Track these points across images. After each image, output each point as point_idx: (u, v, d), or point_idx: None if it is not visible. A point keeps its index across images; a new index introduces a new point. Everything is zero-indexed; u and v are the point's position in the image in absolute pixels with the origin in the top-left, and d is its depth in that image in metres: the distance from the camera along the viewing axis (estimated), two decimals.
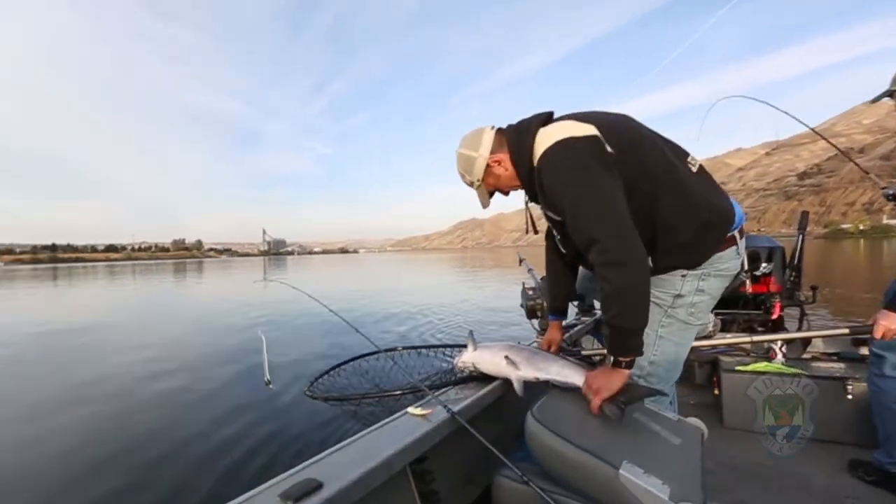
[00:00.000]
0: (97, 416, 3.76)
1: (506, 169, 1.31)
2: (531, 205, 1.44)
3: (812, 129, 1.89)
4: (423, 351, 2.34)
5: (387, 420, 1.39)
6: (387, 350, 2.17)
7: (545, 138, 1.19)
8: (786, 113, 2.01)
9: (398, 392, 1.87)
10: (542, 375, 1.51)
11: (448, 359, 2.37)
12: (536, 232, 1.48)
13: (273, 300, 11.06)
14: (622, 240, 1.08)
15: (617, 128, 1.18)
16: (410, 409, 1.46)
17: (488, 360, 1.70)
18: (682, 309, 1.31)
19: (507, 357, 1.62)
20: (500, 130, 1.33)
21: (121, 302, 15.10)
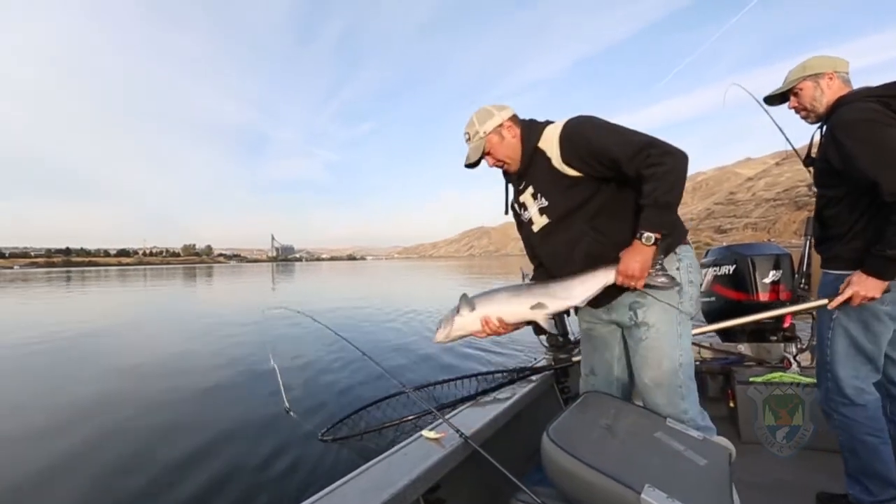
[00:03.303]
0: (101, 434, 3.57)
1: (513, 136, 1.53)
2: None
3: (794, 150, 1.86)
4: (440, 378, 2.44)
5: (400, 445, 1.37)
6: (398, 394, 2.25)
7: (555, 126, 1.46)
8: (777, 126, 2.00)
9: (410, 417, 1.89)
10: (571, 302, 1.47)
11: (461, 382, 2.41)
12: (507, 213, 1.71)
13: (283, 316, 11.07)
14: (666, 143, 1.31)
15: None
16: (425, 433, 1.45)
17: (507, 311, 1.50)
18: (686, 302, 1.44)
19: (524, 298, 1.49)
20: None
21: (129, 309, 15.26)
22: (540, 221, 1.54)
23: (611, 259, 1.40)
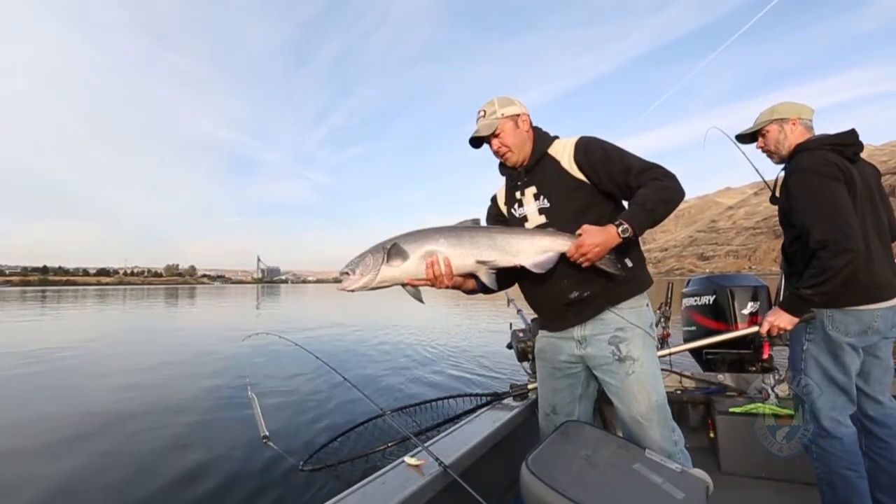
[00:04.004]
0: (63, 468, 3.31)
1: (526, 130, 1.58)
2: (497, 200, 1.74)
3: (767, 184, 1.96)
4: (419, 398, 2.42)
5: (379, 473, 1.35)
6: (376, 416, 2.25)
7: (566, 139, 1.56)
8: (752, 165, 2.10)
9: (390, 445, 1.86)
10: (518, 260, 1.40)
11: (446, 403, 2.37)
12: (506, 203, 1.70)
13: (263, 327, 10.82)
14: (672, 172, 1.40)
15: None
16: (407, 459, 1.43)
17: (451, 255, 1.36)
18: (655, 337, 1.54)
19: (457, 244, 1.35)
20: None
21: (100, 333, 14.79)
22: (536, 220, 1.56)
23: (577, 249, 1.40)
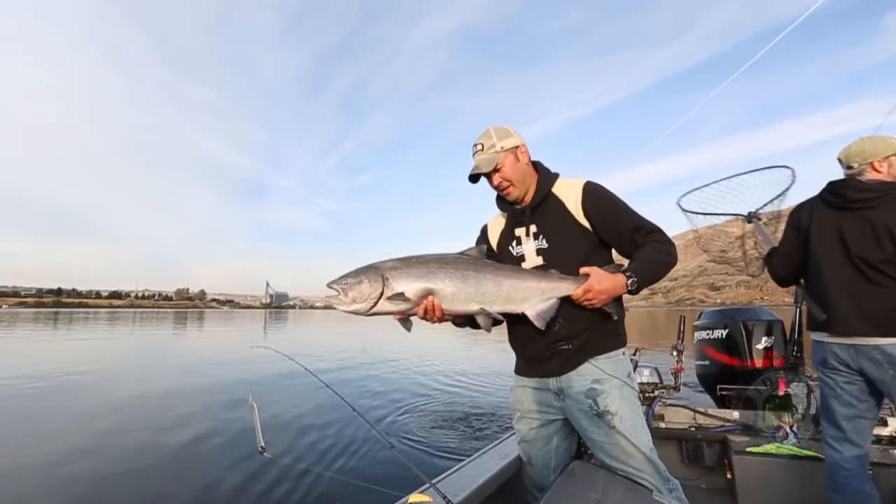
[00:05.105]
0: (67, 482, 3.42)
1: (526, 162, 1.53)
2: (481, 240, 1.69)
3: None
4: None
5: None
6: (386, 449, 2.19)
7: (571, 179, 1.52)
8: None
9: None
10: (523, 308, 1.37)
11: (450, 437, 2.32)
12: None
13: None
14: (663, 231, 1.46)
15: None
16: (412, 499, 1.40)
17: (449, 303, 1.33)
18: (635, 384, 1.50)
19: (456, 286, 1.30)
20: None
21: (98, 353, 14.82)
22: (534, 261, 1.51)
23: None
